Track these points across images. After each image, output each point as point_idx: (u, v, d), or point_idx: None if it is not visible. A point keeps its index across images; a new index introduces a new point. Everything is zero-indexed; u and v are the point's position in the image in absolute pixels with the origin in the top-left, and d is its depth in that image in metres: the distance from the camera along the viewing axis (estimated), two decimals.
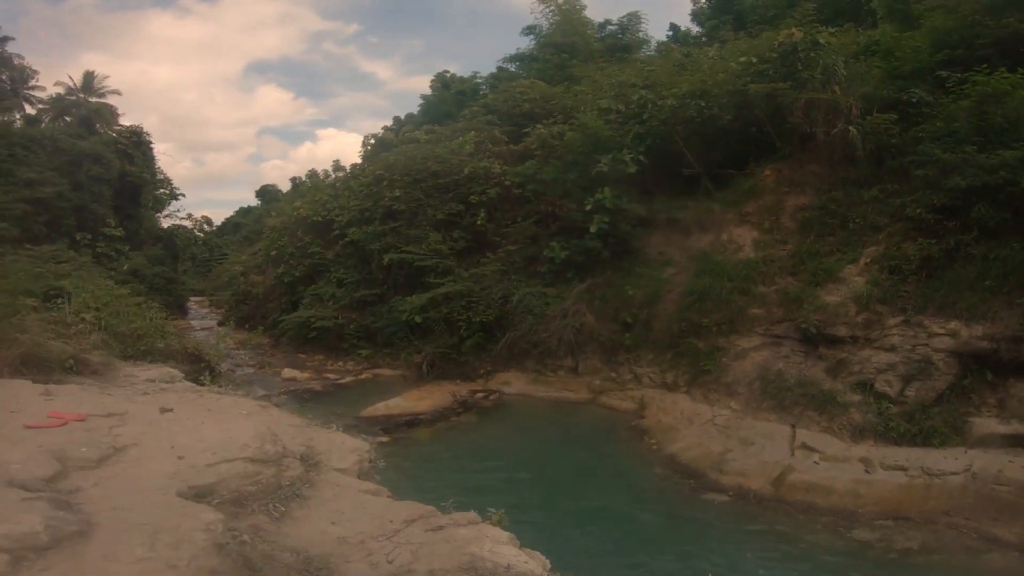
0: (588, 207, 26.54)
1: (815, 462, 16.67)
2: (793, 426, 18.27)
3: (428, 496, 7.54)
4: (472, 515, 6.11)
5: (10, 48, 61.47)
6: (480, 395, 25.69)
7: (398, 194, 33.86)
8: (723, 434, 18.86)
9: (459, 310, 28.24)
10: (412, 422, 22.35)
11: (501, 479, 17.52)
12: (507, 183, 31.88)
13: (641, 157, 26.56)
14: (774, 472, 16.59)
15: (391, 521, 6.01)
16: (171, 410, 8.15)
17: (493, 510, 6.40)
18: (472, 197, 32.39)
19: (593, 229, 26.37)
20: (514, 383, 26.38)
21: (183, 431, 7.23)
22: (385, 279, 33.45)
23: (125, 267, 44.99)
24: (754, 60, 25.12)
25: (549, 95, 36.35)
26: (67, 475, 5.67)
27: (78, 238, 44.20)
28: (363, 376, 30.26)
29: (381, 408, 23.54)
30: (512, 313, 27.11)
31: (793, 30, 24.76)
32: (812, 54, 23.72)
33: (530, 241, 30.11)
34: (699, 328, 22.75)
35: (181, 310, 52.55)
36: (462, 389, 26.12)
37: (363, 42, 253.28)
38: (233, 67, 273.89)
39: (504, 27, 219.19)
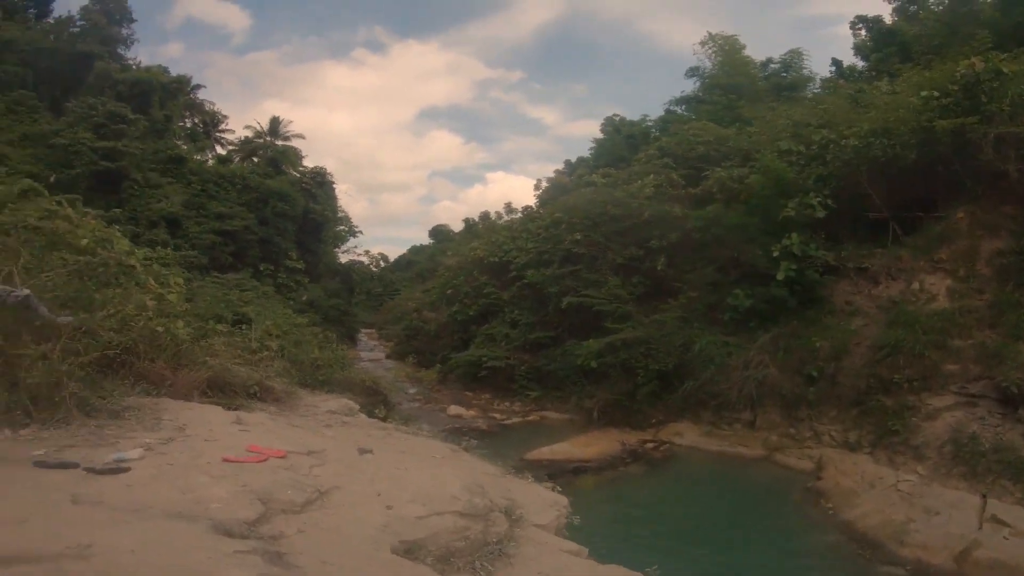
0: (775, 253, 26.47)
1: (1005, 537, 15.77)
2: (984, 496, 17.46)
3: (601, 552, 7.55)
4: None
5: (200, 95, 69.60)
6: (650, 445, 25.84)
7: (578, 237, 34.81)
8: (906, 502, 18.09)
9: (637, 357, 28.44)
10: (578, 469, 22.60)
11: (669, 538, 17.48)
12: (688, 227, 32.03)
13: (828, 201, 26.50)
14: (958, 546, 15.71)
15: None
16: (370, 451, 8.28)
17: None
18: (652, 241, 32.81)
19: (780, 276, 26.23)
20: (686, 435, 26.35)
21: (385, 475, 7.22)
22: (560, 322, 34.46)
23: (304, 298, 48.45)
24: (935, 94, 24.49)
25: (723, 137, 36.59)
26: (270, 519, 5.56)
27: (261, 268, 48.41)
28: (530, 418, 31.29)
29: (547, 452, 23.97)
30: (692, 362, 27.16)
31: (973, 60, 24.08)
32: (996, 84, 23.15)
33: (711, 288, 30.10)
34: (888, 384, 22.19)
35: (351, 340, 55.60)
36: (631, 438, 26.28)
37: (527, 88, 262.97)
38: (406, 114, 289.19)
39: (665, 70, 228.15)
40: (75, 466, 6.27)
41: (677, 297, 30.81)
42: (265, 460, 7.06)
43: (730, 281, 29.39)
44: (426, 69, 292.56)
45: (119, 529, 4.79)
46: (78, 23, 63.01)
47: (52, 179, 30.63)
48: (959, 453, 19.20)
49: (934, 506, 17.54)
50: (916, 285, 24.56)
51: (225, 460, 6.83)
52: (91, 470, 6.18)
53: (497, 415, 31.96)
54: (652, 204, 33.52)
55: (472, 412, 32.13)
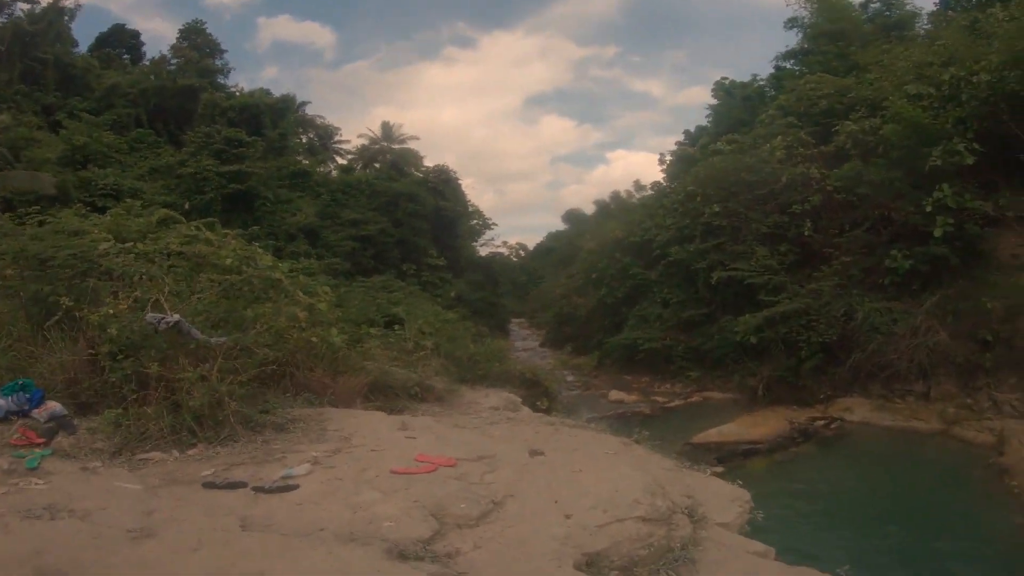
0: (928, 208, 25.13)
1: None
2: None
3: (784, 545, 7.40)
4: None
5: (308, 111, 73.47)
6: (820, 423, 24.83)
7: (717, 209, 34.02)
8: None
9: (798, 329, 27.48)
10: (749, 451, 21.98)
11: (852, 527, 16.77)
12: (828, 188, 30.98)
13: (974, 145, 24.86)
14: None
15: None
16: (542, 453, 8.07)
17: None
18: (794, 207, 31.73)
19: (938, 232, 24.84)
20: (856, 410, 25.26)
21: (560, 479, 6.99)
22: (712, 298, 33.84)
23: (452, 294, 48.90)
24: None
25: (844, 88, 35.19)
26: (445, 535, 5.47)
27: (404, 268, 49.29)
28: (692, 399, 30.66)
29: (714, 434, 23.46)
30: (855, 332, 26.09)
31: None
32: None
33: (865, 251, 28.83)
34: None
35: (503, 331, 56.44)
36: (799, 415, 25.33)
37: (626, 62, 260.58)
38: (512, 102, 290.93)
39: (762, 24, 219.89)
40: (243, 486, 6.40)
41: (830, 263, 29.39)
42: (435, 470, 7.02)
43: (884, 242, 28.02)
44: (519, 56, 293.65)
45: (291, 556, 4.81)
46: (172, 61, 67.22)
47: (187, 206, 32.02)
48: None
49: None
50: None
51: (393, 472, 6.84)
52: (259, 489, 6.30)
53: (659, 398, 31.50)
54: (786, 167, 32.43)
55: (633, 396, 31.81)
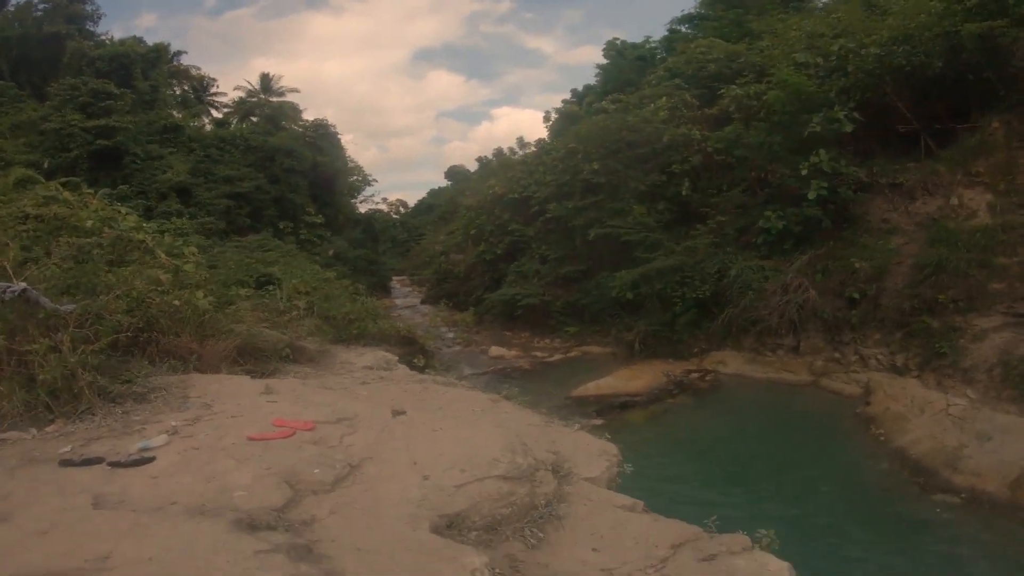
0: (804, 172, 25.88)
1: None
2: None
3: (657, 496, 7.61)
4: (743, 539, 5.68)
5: (184, 61, 70.15)
6: (695, 375, 25.84)
7: (596, 167, 34.40)
8: (957, 427, 17.65)
9: (673, 285, 28.31)
10: (626, 404, 22.77)
11: (722, 478, 17.47)
12: (709, 150, 31.78)
13: (855, 114, 25.78)
14: (1012, 473, 15.33)
15: (656, 546, 5.56)
16: (404, 412, 7.90)
17: (764, 532, 6.03)
18: (674, 166, 32.55)
19: (811, 196, 25.72)
20: (730, 363, 26.24)
21: (420, 439, 6.92)
22: (590, 255, 34.31)
23: (331, 252, 48.60)
24: None
25: (734, 53, 36.08)
26: (299, 502, 5.41)
27: (281, 227, 48.46)
28: (571, 354, 31.33)
29: (592, 388, 24.14)
30: (729, 288, 26.93)
31: None
32: None
33: (741, 211, 29.84)
34: (933, 305, 21.88)
35: (385, 290, 56.30)
36: (676, 368, 26.30)
37: (519, 19, 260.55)
38: (399, 56, 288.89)
39: None
40: (100, 461, 6.23)
41: (706, 222, 30.33)
42: (292, 435, 6.88)
43: (759, 203, 29.05)
44: (410, 8, 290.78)
45: (140, 534, 4.72)
46: (40, 6, 62.58)
47: (47, 164, 30.79)
48: (1009, 375, 18.82)
49: (986, 431, 17.09)
50: (955, 200, 24.18)
51: (250, 439, 6.70)
52: (115, 464, 6.13)
53: (539, 353, 32.10)
54: (668, 127, 33.03)
55: (513, 352, 32.26)
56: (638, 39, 55.08)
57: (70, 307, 8.12)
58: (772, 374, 24.97)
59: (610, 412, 21.76)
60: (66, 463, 6.24)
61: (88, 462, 6.21)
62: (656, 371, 26.08)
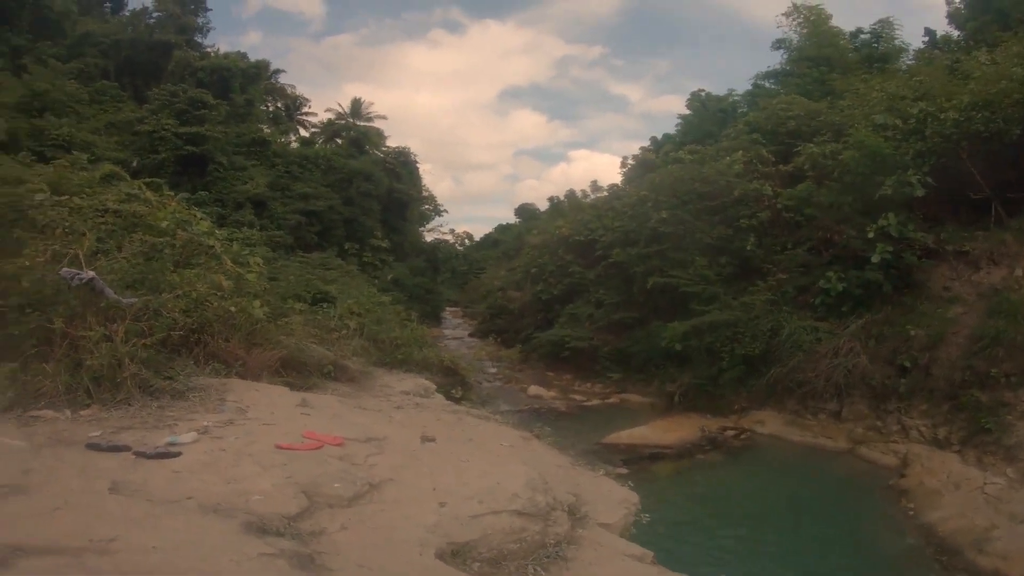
0: (870, 234, 25.34)
1: None
2: None
3: (670, 550, 7.47)
4: None
5: (281, 80, 72.76)
6: (730, 432, 25.24)
7: (665, 216, 33.91)
8: (991, 506, 16.94)
9: (723, 340, 27.66)
10: (655, 455, 22.35)
11: (740, 538, 16.95)
12: (779, 206, 31.30)
13: (928, 179, 25.11)
14: None
15: None
16: (433, 440, 8.08)
17: None
18: (741, 220, 31.96)
19: (875, 259, 25.05)
20: (768, 423, 25.58)
21: (445, 467, 6.99)
22: (646, 303, 33.85)
23: (389, 277, 49.01)
24: None
25: (814, 111, 35.33)
26: (313, 513, 5.48)
27: (347, 247, 49.23)
28: (610, 400, 30.99)
29: (624, 436, 23.77)
30: (779, 347, 26.20)
31: None
32: None
33: (802, 270, 29.07)
34: (985, 379, 20.92)
35: (436, 319, 56.49)
36: (712, 424, 25.72)
37: (608, 65, 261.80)
38: (487, 93, 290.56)
39: (750, 43, 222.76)
40: (126, 449, 6.44)
41: (766, 279, 29.68)
42: (320, 448, 7.00)
43: (822, 263, 28.32)
44: (505, 48, 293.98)
45: (149, 523, 4.81)
46: (153, 14, 65.25)
47: (135, 164, 31.67)
48: None
49: (1020, 512, 16.36)
50: (1020, 272, 23.31)
51: (278, 447, 6.83)
52: (140, 454, 6.33)
53: (577, 396, 31.75)
54: (741, 182, 32.65)
55: (552, 393, 31.99)
56: (722, 91, 54.71)
57: (131, 300, 8.51)
58: (809, 438, 24.24)
59: (638, 462, 21.29)
60: (93, 447, 6.45)
61: (115, 449, 6.42)
62: (692, 425, 25.59)
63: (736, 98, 51.98)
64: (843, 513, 18.86)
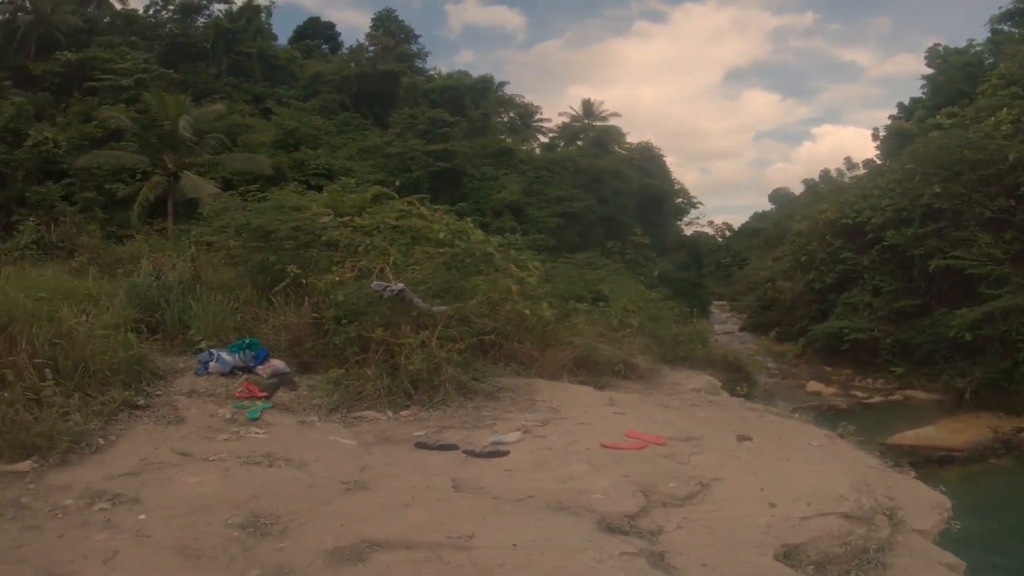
0: None
1: None
2: None
3: (977, 561, 7.04)
4: None
5: (507, 91, 75.75)
6: None
7: (937, 190, 31.49)
8: None
9: (1020, 329, 25.29)
10: (944, 459, 20.75)
11: None
12: None
13: None
14: None
15: None
16: (750, 439, 7.82)
17: None
18: (1022, 189, 29.29)
19: None
20: None
21: (766, 467, 6.79)
22: (928, 288, 31.77)
23: (655, 273, 49.05)
24: None
25: None
26: (650, 512, 5.45)
27: (608, 246, 49.26)
28: (892, 397, 29.45)
29: (910, 437, 22.37)
30: None
31: None
32: None
33: None
34: None
35: (704, 314, 55.50)
36: (1006, 425, 23.63)
37: (826, 31, 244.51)
38: (711, 77, 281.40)
39: None
40: (454, 448, 6.70)
41: None
42: (644, 447, 6.99)
43: None
44: (713, 28, 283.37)
45: (501, 520, 4.95)
46: (369, 49, 70.97)
47: (397, 183, 33.31)
48: None
49: None
50: None
51: (603, 446, 6.85)
52: (470, 453, 6.57)
53: (858, 393, 30.41)
54: (1014, 144, 29.81)
55: (831, 389, 30.82)
56: (958, 42, 50.68)
57: (443, 308, 9.01)
58: None
59: (925, 465, 19.41)
60: (421, 445, 6.79)
61: (443, 447, 6.71)
62: (982, 425, 23.57)
63: (978, 48, 47.47)
64: None
